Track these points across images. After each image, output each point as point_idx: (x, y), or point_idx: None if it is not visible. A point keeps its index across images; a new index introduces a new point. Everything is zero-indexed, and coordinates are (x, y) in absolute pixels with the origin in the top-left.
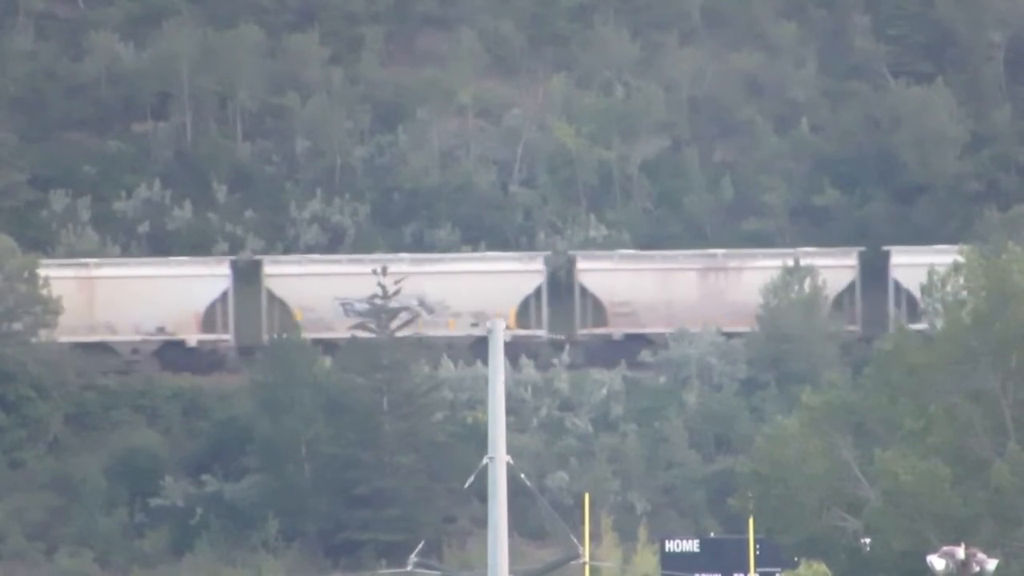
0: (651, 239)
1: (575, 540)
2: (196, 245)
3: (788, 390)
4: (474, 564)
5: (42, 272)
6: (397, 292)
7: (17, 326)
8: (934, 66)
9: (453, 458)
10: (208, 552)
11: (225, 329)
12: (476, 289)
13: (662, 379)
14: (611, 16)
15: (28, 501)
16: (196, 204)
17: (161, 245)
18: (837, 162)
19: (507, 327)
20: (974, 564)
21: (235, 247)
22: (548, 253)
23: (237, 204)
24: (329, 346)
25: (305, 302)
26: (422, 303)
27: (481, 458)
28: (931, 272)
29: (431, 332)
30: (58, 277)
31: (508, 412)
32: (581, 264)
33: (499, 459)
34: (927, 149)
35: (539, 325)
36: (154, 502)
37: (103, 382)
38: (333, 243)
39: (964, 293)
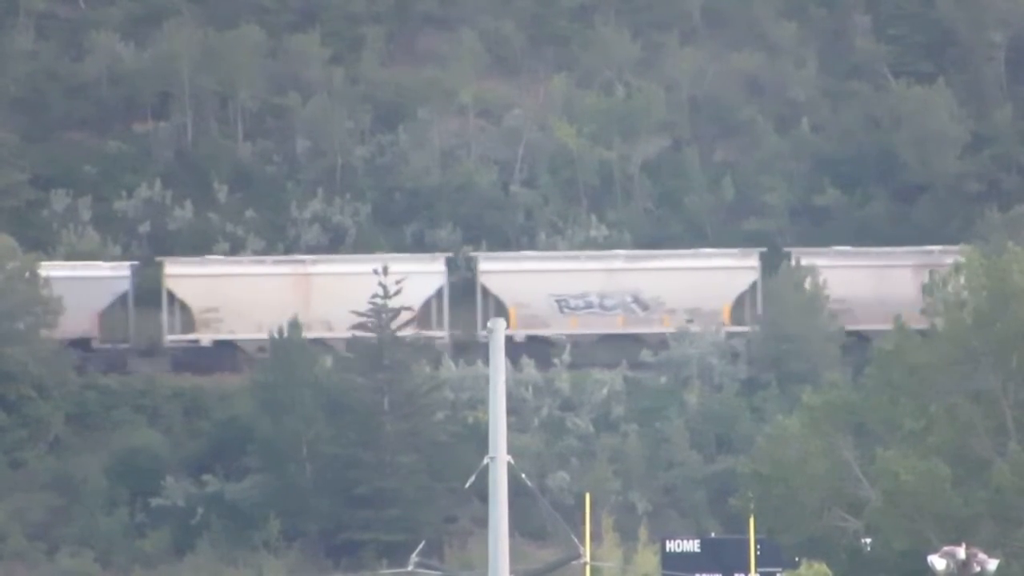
0: (652, 239)
1: (576, 540)
2: (197, 245)
3: (789, 390)
4: (475, 564)
5: (261, 269)
6: (398, 292)
7: (18, 326)
8: (935, 66)
9: (454, 458)
10: (209, 552)
11: (440, 326)
12: (690, 285)
13: (663, 379)
14: (612, 16)
15: (29, 501)
16: (197, 204)
17: (162, 245)
18: (838, 162)
19: (723, 323)
20: (975, 564)
21: (235, 247)
22: (763, 249)
23: (238, 204)
24: (543, 344)
25: (520, 299)
26: (636, 300)
27: (482, 458)
28: (932, 271)
29: (644, 330)
30: (275, 274)
31: (509, 412)
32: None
33: (500, 459)
34: (928, 149)
35: (754, 322)
36: (155, 502)
37: (104, 382)
38: (334, 243)
39: (965, 293)
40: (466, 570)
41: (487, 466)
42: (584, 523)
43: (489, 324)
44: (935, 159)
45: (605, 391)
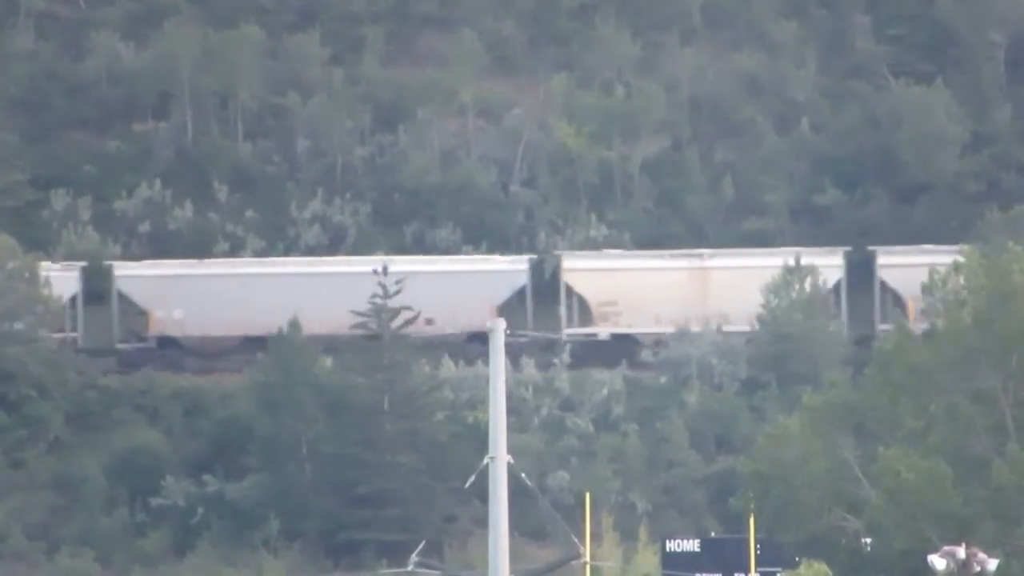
0: (652, 239)
1: (576, 540)
2: (197, 245)
3: (789, 390)
4: (475, 564)
5: (659, 263)
6: (398, 292)
7: (18, 326)
8: (934, 66)
9: (454, 458)
10: (209, 552)
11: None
12: None
13: (663, 379)
14: (612, 16)
15: (29, 501)
16: (197, 204)
17: (162, 245)
18: (838, 162)
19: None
20: (975, 563)
21: (235, 247)
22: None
23: (238, 204)
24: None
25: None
26: None
27: (482, 458)
28: (932, 271)
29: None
30: (673, 268)
31: (509, 412)
32: None
33: (500, 459)
34: (928, 149)
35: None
36: (155, 502)
37: (103, 381)
38: (334, 243)
39: (965, 293)
40: (466, 570)
41: (487, 466)
42: (584, 523)
43: (489, 324)
44: (935, 159)
45: (605, 391)
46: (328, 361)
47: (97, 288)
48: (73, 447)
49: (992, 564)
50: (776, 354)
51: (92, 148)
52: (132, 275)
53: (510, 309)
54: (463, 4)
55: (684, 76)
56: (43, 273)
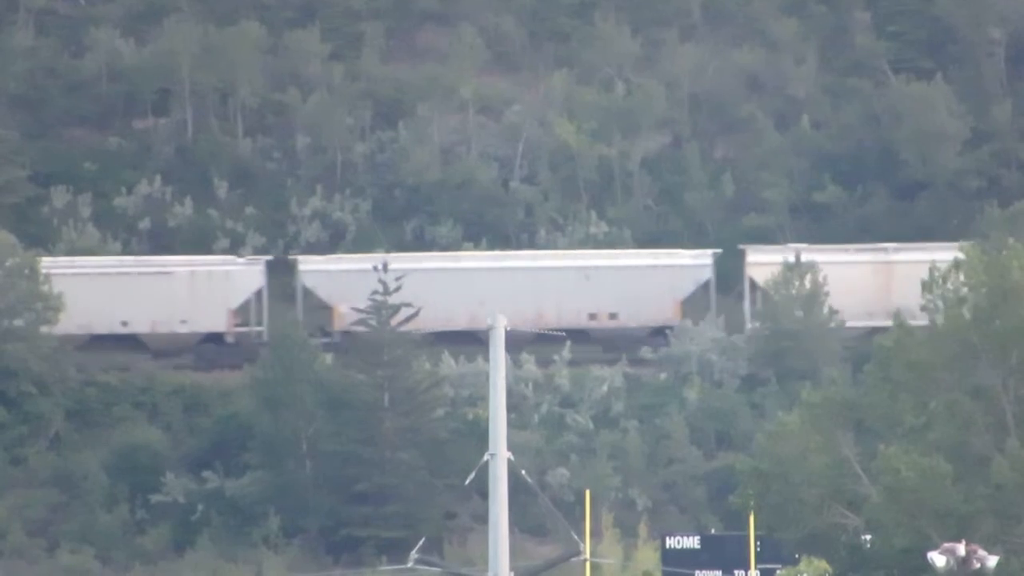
0: (652, 236)
1: (576, 537)
2: (197, 242)
3: (789, 387)
4: (475, 561)
5: (844, 257)
6: (398, 288)
7: (18, 322)
8: (935, 62)
9: (454, 454)
10: (209, 549)
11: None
12: None
13: (663, 375)
14: (612, 12)
15: (29, 498)
16: (197, 201)
17: (162, 242)
18: (838, 158)
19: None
20: (975, 561)
21: (235, 244)
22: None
23: (238, 201)
24: None
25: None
26: None
27: (482, 454)
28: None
29: None
30: (855, 262)
31: (509, 408)
32: None
33: (500, 455)
34: (928, 145)
35: None
36: (155, 499)
37: (104, 378)
38: (334, 240)
39: (964, 290)
40: (466, 567)
41: (487, 463)
42: (584, 520)
43: (489, 321)
44: (935, 155)
45: (605, 387)
46: (328, 357)
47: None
48: (73, 444)
49: (992, 561)
50: (776, 351)
51: (92, 145)
52: (316, 270)
53: (694, 303)
54: (463, 0)
55: (684, 73)
56: (228, 268)
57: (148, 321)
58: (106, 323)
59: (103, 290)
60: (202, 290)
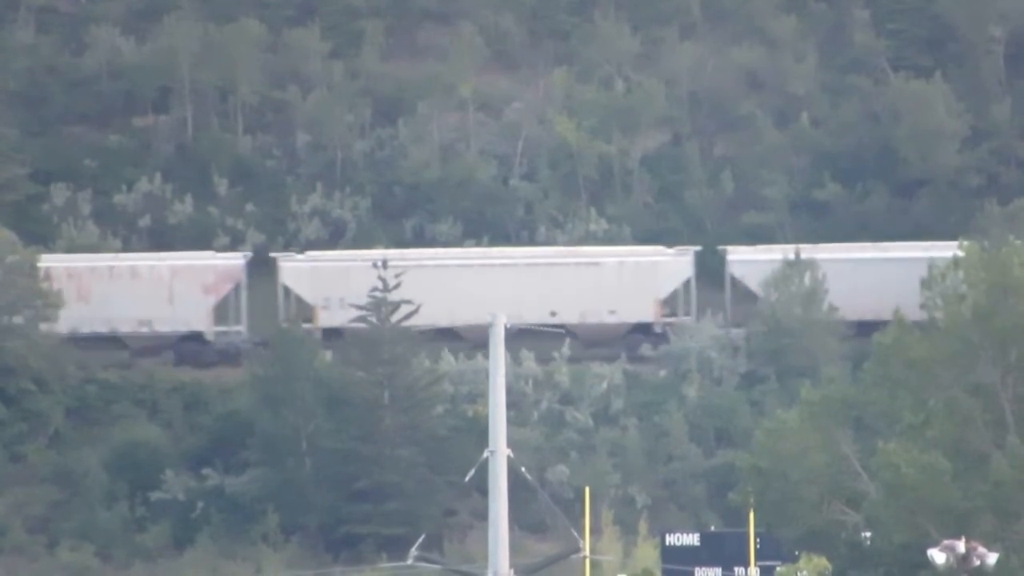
0: (651, 233)
1: (575, 534)
2: (196, 239)
3: (788, 384)
4: (475, 558)
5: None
6: (398, 286)
7: (18, 320)
8: (934, 60)
9: (454, 452)
10: (209, 546)
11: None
12: None
13: (662, 373)
14: (611, 10)
15: (29, 495)
16: (197, 198)
17: (162, 239)
18: (837, 156)
19: None
20: (974, 558)
21: (235, 241)
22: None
23: (238, 198)
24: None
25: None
26: None
27: (482, 452)
28: (931, 266)
29: None
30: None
31: (508, 406)
32: None
33: (500, 452)
34: (927, 143)
35: None
36: (155, 496)
37: (103, 376)
38: (334, 237)
39: (964, 287)
40: (466, 564)
41: (487, 460)
42: (584, 517)
43: (488, 318)
44: (934, 153)
45: (605, 385)
46: (328, 355)
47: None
48: (73, 441)
49: (992, 558)
50: (775, 348)
51: (92, 142)
52: (744, 260)
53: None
54: None
55: (684, 71)
56: (655, 258)
57: (577, 312)
58: (535, 315)
59: (532, 281)
60: (631, 281)
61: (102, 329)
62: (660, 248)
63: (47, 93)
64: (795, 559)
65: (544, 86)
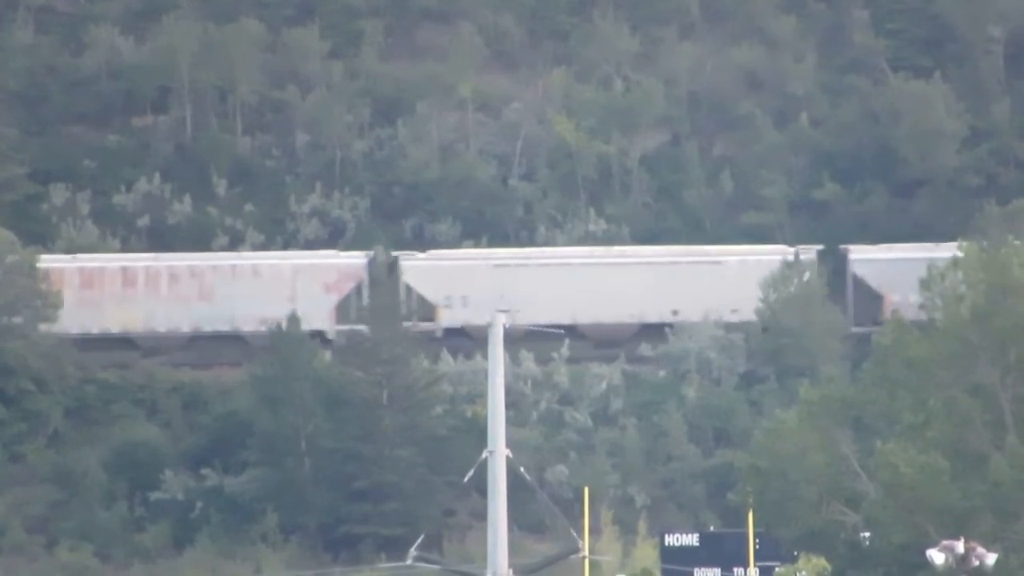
0: (651, 233)
1: (575, 534)
2: (196, 239)
3: (787, 384)
4: (474, 558)
5: None
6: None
7: (17, 320)
8: (933, 61)
9: (453, 452)
10: (208, 546)
11: None
12: None
13: (661, 373)
14: (610, 10)
15: (28, 495)
16: (196, 198)
17: (161, 239)
18: (836, 156)
19: None
20: (973, 558)
21: (234, 241)
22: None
23: (237, 198)
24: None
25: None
26: None
27: (481, 452)
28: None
29: None
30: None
31: (508, 406)
32: None
33: (499, 453)
34: (926, 143)
35: None
36: (154, 496)
37: (103, 376)
38: (333, 237)
39: (963, 287)
40: (465, 564)
41: (486, 460)
42: (583, 517)
43: (488, 318)
44: (934, 153)
45: (604, 385)
46: (327, 355)
47: None
48: (72, 441)
49: (991, 558)
50: (774, 348)
51: (91, 142)
52: (867, 259)
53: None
54: None
55: (683, 71)
56: (777, 257)
57: (701, 310)
58: (656, 312)
59: (651, 279)
60: (753, 279)
61: (224, 328)
62: (782, 247)
63: (46, 93)
64: (794, 559)
65: (543, 86)
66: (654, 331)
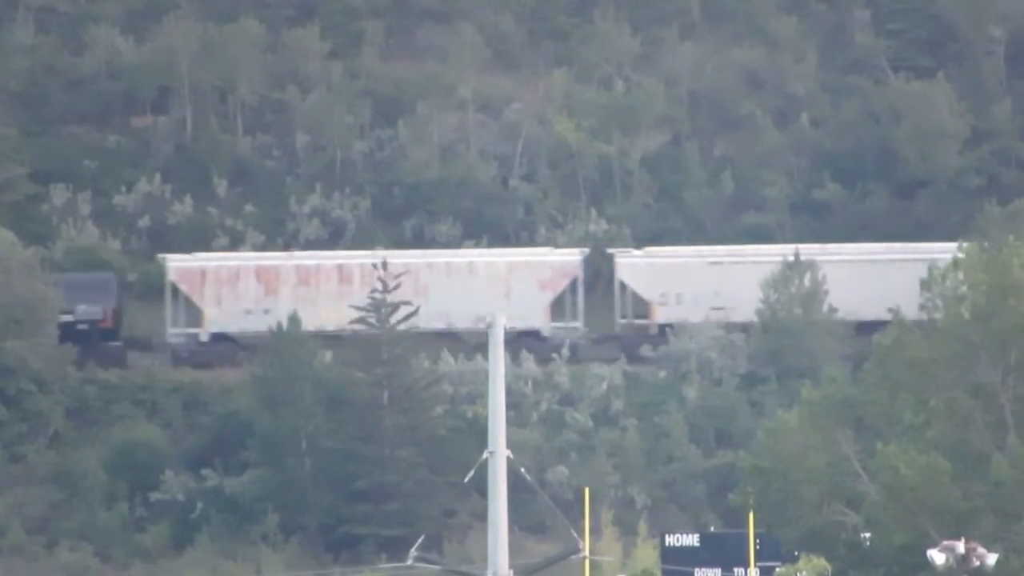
0: (651, 234)
1: (575, 534)
2: (196, 240)
3: (788, 384)
4: (475, 559)
5: None
6: (397, 287)
7: (17, 320)
8: (934, 61)
9: (453, 452)
10: (208, 546)
11: None
12: None
13: (662, 373)
14: (611, 10)
15: (28, 495)
16: (196, 198)
17: (161, 240)
18: (837, 156)
19: None
20: (974, 558)
21: (234, 242)
22: None
23: (237, 198)
24: None
25: None
26: None
27: (481, 452)
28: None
29: None
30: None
31: (508, 406)
32: None
33: (499, 453)
34: (927, 144)
35: None
36: (154, 496)
37: (103, 376)
38: (333, 238)
39: (964, 288)
40: (466, 565)
41: (486, 460)
42: (583, 517)
43: (488, 319)
44: (935, 154)
45: (604, 385)
46: (328, 355)
47: None
48: (73, 442)
49: (991, 559)
50: (775, 349)
51: (92, 143)
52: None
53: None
54: None
55: (684, 71)
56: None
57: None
58: (873, 311)
59: (868, 277)
60: None
61: (440, 325)
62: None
63: (46, 93)
64: (795, 560)
65: (544, 86)
66: (867, 329)
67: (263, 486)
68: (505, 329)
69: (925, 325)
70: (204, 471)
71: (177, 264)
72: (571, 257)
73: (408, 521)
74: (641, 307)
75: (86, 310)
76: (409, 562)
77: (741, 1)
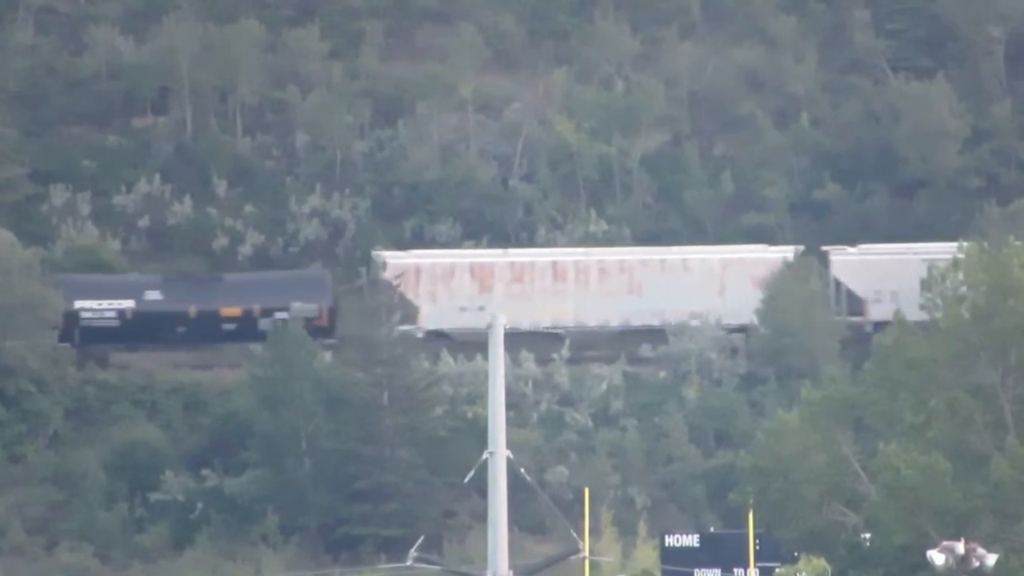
0: (651, 234)
1: (575, 535)
2: (196, 240)
3: (788, 385)
4: (474, 559)
5: None
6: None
7: (17, 320)
8: (934, 61)
9: (453, 453)
10: (208, 547)
11: None
12: None
13: (662, 374)
14: (611, 11)
15: (28, 496)
16: (196, 199)
17: (161, 240)
18: (837, 156)
19: None
20: (974, 559)
21: (234, 242)
22: None
23: (237, 199)
24: None
25: None
26: None
27: (481, 453)
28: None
29: None
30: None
31: (508, 407)
32: None
33: (499, 454)
34: (927, 144)
35: None
36: (154, 497)
37: (103, 376)
38: (333, 238)
39: (964, 288)
40: (465, 565)
41: (486, 461)
42: (583, 518)
43: (488, 319)
44: (934, 154)
45: (604, 386)
46: (327, 355)
47: None
48: (72, 442)
49: (991, 559)
50: (775, 349)
51: (91, 143)
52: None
53: None
54: None
55: (683, 71)
56: None
57: None
58: None
59: None
60: None
61: (653, 322)
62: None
63: (46, 93)
64: (794, 560)
65: (544, 86)
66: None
67: (263, 486)
68: (719, 325)
69: (925, 325)
70: (204, 471)
71: (393, 261)
72: (785, 254)
73: (408, 522)
74: (855, 304)
75: (301, 308)
76: (409, 562)
77: (741, 1)
